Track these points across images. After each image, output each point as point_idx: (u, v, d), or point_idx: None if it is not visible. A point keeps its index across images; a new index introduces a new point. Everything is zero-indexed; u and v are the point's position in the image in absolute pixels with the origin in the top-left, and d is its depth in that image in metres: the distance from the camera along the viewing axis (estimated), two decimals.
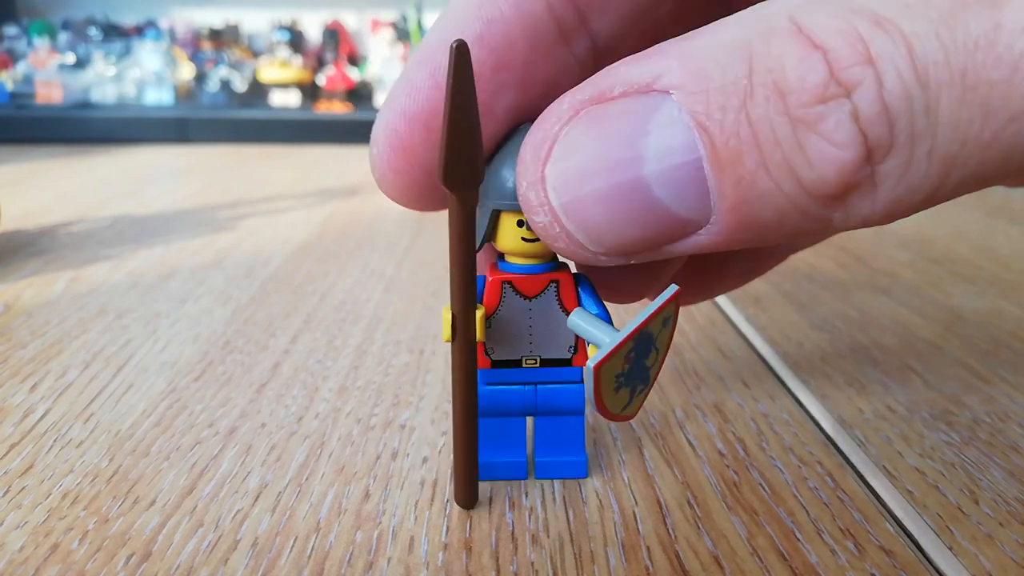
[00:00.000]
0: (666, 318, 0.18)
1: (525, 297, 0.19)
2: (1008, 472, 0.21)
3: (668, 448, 0.22)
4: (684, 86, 0.13)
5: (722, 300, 0.35)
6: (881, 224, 0.13)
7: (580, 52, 0.17)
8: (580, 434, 0.21)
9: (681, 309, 0.34)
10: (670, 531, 0.19)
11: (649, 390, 0.19)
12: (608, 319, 0.19)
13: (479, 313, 0.18)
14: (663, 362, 0.19)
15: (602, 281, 0.21)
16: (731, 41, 0.13)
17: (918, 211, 0.13)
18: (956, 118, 0.12)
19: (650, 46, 0.14)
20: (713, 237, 0.14)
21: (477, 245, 0.18)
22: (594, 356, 0.16)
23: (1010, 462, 0.22)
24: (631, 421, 0.24)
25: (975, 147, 0.12)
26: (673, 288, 0.17)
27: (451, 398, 0.20)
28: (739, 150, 0.13)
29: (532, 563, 0.17)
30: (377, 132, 0.18)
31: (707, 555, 0.18)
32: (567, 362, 0.20)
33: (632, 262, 0.15)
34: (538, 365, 0.20)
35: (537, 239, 0.18)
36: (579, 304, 0.19)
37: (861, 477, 0.21)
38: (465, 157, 0.15)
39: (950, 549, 0.18)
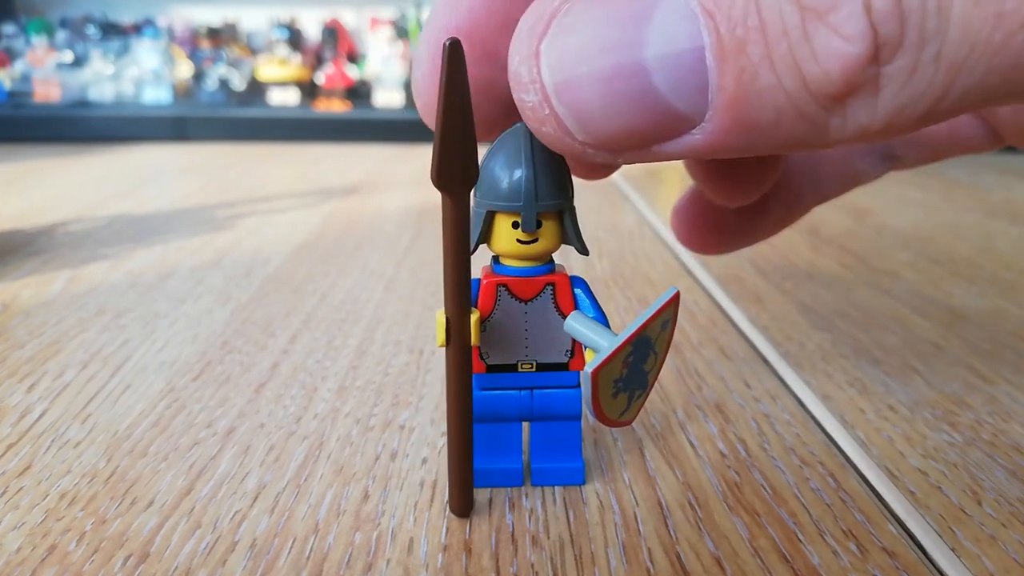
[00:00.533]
0: (665, 321, 0.17)
1: (521, 300, 0.19)
2: (1011, 472, 0.21)
3: (669, 449, 0.22)
4: None
5: (723, 300, 0.35)
6: (878, 139, 0.13)
7: None
8: (577, 440, 0.20)
9: (681, 308, 0.34)
10: (671, 532, 0.18)
11: (647, 395, 0.18)
12: (605, 322, 0.19)
13: (474, 317, 0.17)
14: (662, 366, 0.18)
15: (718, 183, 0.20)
16: None
17: (917, 128, 0.13)
18: (967, 20, 0.11)
19: None
20: (706, 136, 0.13)
21: (473, 247, 0.18)
22: (592, 361, 0.16)
23: (1013, 462, 0.22)
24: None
25: (983, 53, 0.11)
26: (672, 291, 0.17)
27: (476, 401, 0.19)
28: (744, 39, 0.12)
29: (532, 565, 0.17)
30: (420, 52, 0.17)
31: (709, 556, 0.18)
32: (564, 366, 0.20)
33: (619, 161, 0.15)
34: (534, 369, 0.20)
35: (532, 241, 0.18)
36: (576, 307, 0.19)
37: (863, 478, 0.21)
38: (459, 157, 0.15)
39: (953, 550, 0.18)
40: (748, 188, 0.21)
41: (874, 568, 0.17)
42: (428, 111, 0.17)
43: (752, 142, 0.13)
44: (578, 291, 0.19)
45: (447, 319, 0.17)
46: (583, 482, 0.20)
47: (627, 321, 0.32)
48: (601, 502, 0.20)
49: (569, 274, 0.19)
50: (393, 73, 0.99)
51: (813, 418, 0.24)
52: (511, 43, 0.14)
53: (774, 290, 0.37)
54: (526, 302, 0.19)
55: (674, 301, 0.17)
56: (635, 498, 0.20)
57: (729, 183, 0.21)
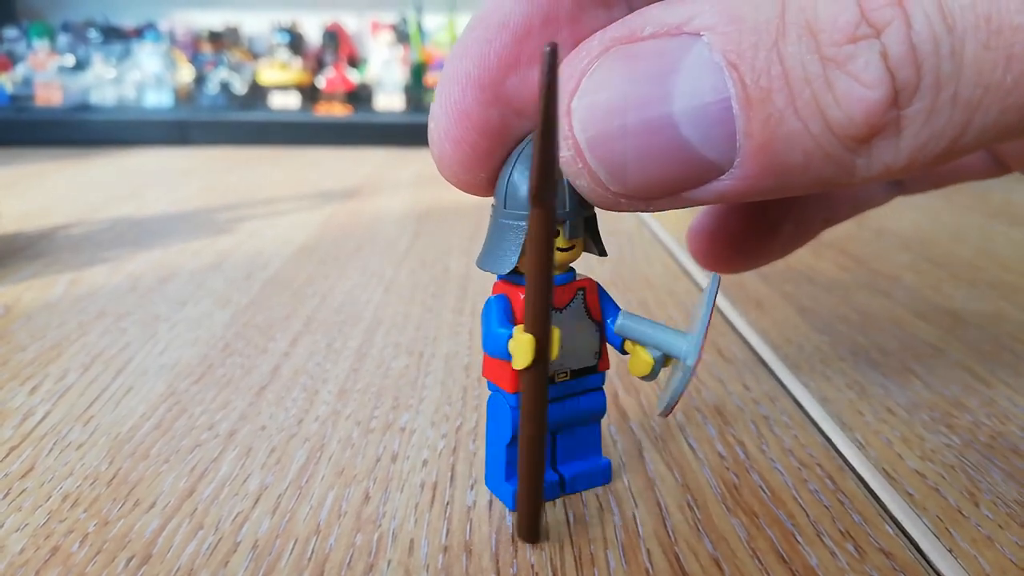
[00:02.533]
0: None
1: (557, 309, 0.19)
2: (1008, 474, 0.21)
3: (668, 451, 0.22)
4: (716, 27, 0.13)
5: (722, 302, 0.35)
6: (903, 175, 0.14)
7: (623, 12, 0.17)
8: (598, 439, 0.20)
9: (681, 311, 0.34)
10: (670, 533, 0.19)
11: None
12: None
13: (556, 333, 0.16)
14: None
15: (735, 247, 0.22)
16: None
17: (939, 163, 0.13)
18: (980, 63, 0.12)
19: None
20: (736, 182, 0.14)
21: (516, 262, 0.18)
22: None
23: (1010, 464, 0.22)
24: (631, 423, 0.24)
25: (997, 93, 0.12)
26: (717, 277, 0.18)
27: (516, 421, 0.19)
28: (769, 88, 0.13)
29: (532, 565, 0.17)
30: (435, 107, 0.17)
31: (707, 557, 0.18)
32: (593, 369, 0.20)
33: (651, 210, 0.15)
34: (569, 377, 0.19)
35: (568, 248, 0.18)
36: (603, 309, 0.19)
37: (861, 479, 0.21)
38: (553, 171, 0.15)
39: (950, 551, 0.18)
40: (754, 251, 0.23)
41: (871, 569, 0.17)
42: (446, 165, 0.18)
43: (781, 184, 0.14)
44: (601, 292, 0.19)
45: (537, 339, 0.16)
46: (611, 480, 0.20)
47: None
48: (600, 503, 0.20)
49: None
50: (394, 77, 0.99)
51: (811, 420, 0.24)
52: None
53: (773, 293, 0.37)
54: (560, 310, 0.19)
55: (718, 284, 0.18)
56: (634, 499, 0.20)
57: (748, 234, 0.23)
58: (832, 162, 0.13)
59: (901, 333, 0.32)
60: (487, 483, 0.20)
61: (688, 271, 0.40)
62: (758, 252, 0.24)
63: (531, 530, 0.18)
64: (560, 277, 0.18)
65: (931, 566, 0.18)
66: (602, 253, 0.19)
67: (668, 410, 0.18)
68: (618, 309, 0.19)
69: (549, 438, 0.20)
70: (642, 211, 0.16)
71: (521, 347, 0.16)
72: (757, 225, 0.24)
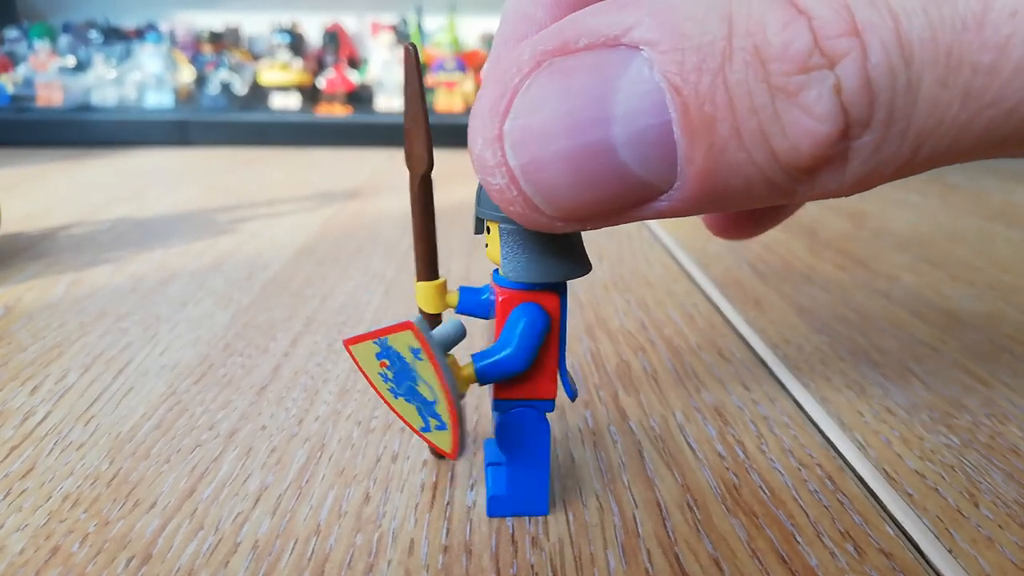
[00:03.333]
0: (413, 348, 0.17)
1: None
2: (1008, 475, 0.21)
3: (668, 451, 0.22)
4: (657, 43, 0.12)
5: (722, 303, 0.35)
6: (844, 196, 0.13)
7: None
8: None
9: (680, 311, 0.34)
10: (670, 534, 0.19)
11: (456, 432, 0.17)
12: (513, 343, 0.18)
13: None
14: (454, 408, 0.17)
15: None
16: None
17: (883, 183, 0.13)
18: (935, 98, 0.11)
19: None
20: (674, 204, 0.13)
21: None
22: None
23: (1010, 464, 0.22)
24: (630, 423, 0.24)
25: (950, 127, 0.12)
26: (404, 320, 0.17)
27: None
28: (713, 116, 0.12)
29: (532, 566, 0.17)
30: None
31: (707, 557, 0.18)
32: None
33: (587, 228, 0.15)
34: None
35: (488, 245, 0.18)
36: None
37: (861, 480, 0.21)
38: (421, 142, 0.17)
39: (950, 551, 0.18)
40: (751, 230, 0.22)
41: (871, 569, 0.17)
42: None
43: (721, 206, 0.13)
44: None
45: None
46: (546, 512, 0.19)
47: (629, 327, 0.33)
48: (600, 504, 0.20)
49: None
50: (394, 78, 0.99)
51: (811, 420, 0.24)
52: (471, 122, 0.14)
53: (772, 293, 0.37)
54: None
55: (406, 329, 0.16)
56: (634, 500, 0.20)
57: (734, 226, 0.22)
58: (774, 188, 0.13)
59: (900, 333, 0.32)
60: (495, 512, 0.19)
61: (688, 272, 0.40)
62: (767, 219, 0.24)
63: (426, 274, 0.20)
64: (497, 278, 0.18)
65: (931, 566, 0.18)
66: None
67: (398, 415, 0.18)
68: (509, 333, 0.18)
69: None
70: (578, 230, 0.15)
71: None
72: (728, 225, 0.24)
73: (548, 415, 0.19)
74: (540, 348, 0.17)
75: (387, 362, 0.17)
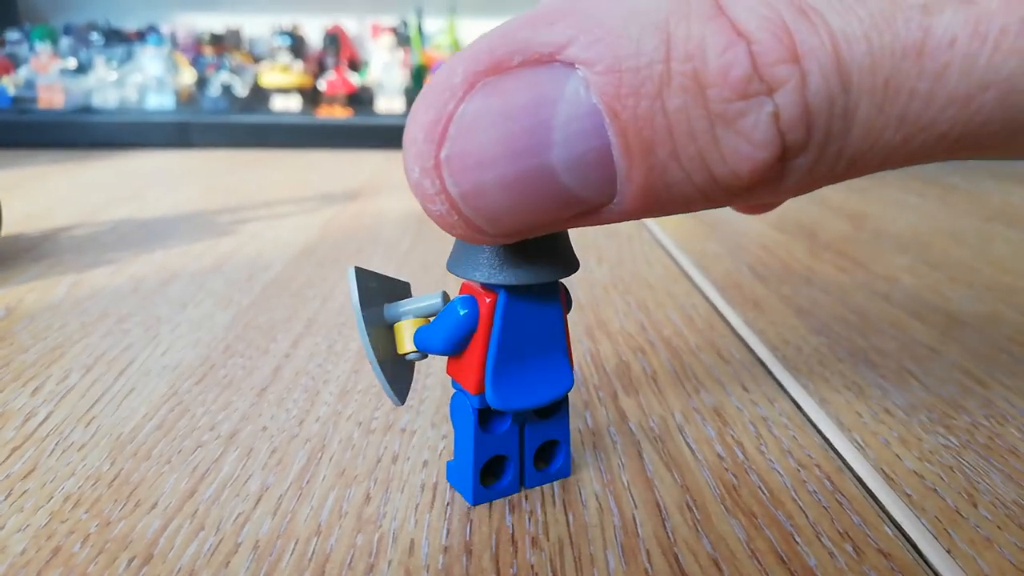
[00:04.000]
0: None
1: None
2: (1006, 476, 0.21)
3: (667, 452, 0.22)
4: (592, 64, 0.12)
5: (721, 304, 0.35)
6: (775, 203, 0.14)
7: None
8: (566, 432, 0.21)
9: (680, 313, 0.34)
10: (669, 534, 0.19)
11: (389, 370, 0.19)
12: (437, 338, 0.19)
13: None
14: (380, 353, 0.18)
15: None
16: (644, 12, 0.12)
17: (814, 190, 0.13)
18: (871, 123, 0.12)
19: None
20: (614, 216, 0.14)
21: None
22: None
23: (1008, 465, 0.22)
24: (630, 424, 0.24)
25: (883, 148, 0.12)
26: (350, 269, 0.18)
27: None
28: (652, 141, 0.12)
29: (532, 566, 0.17)
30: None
31: (706, 558, 0.18)
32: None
33: (529, 237, 0.15)
34: None
35: None
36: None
37: (859, 480, 0.21)
38: None
39: (948, 552, 0.18)
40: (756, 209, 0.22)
41: (870, 570, 0.17)
42: None
43: (660, 215, 0.14)
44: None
45: None
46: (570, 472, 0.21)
47: (629, 329, 0.33)
48: (600, 504, 0.20)
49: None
50: (394, 80, 0.99)
51: (810, 421, 0.24)
52: (406, 149, 0.14)
53: (772, 294, 0.37)
54: None
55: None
56: (634, 500, 0.20)
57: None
58: (711, 201, 0.13)
59: (899, 334, 0.32)
60: (448, 478, 0.21)
61: (688, 274, 0.40)
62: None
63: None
64: None
65: (930, 567, 0.18)
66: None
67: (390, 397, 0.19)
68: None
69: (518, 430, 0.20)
70: (517, 240, 0.15)
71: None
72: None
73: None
74: (460, 339, 0.18)
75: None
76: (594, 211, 0.13)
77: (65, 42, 1.00)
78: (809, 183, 0.13)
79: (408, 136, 0.14)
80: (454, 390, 0.19)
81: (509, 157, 0.13)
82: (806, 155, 0.12)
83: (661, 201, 0.13)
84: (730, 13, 0.11)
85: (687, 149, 0.12)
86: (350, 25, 1.14)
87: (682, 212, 0.13)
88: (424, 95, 0.13)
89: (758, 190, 0.13)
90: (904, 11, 0.11)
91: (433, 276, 0.39)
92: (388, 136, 0.89)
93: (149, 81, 0.95)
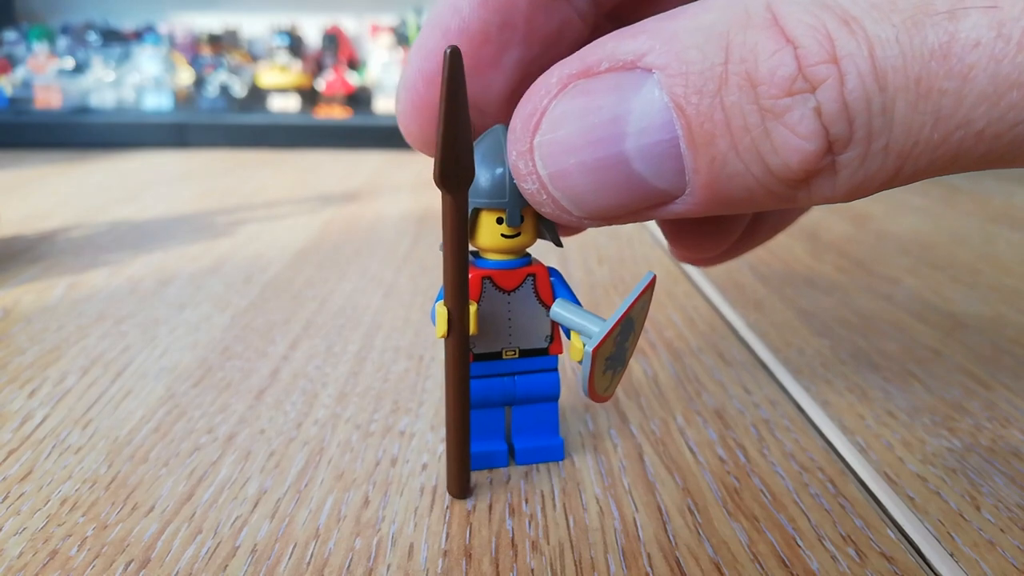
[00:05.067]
0: (644, 302, 0.19)
1: (504, 291, 0.20)
2: (1009, 478, 0.21)
3: (669, 454, 0.22)
4: (666, 67, 0.14)
5: (723, 306, 0.35)
6: (844, 202, 0.14)
7: (580, 5, 0.19)
8: (555, 419, 0.22)
9: (681, 314, 0.34)
10: (671, 538, 0.18)
11: (624, 371, 0.20)
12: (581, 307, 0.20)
13: (472, 308, 0.19)
14: (636, 343, 0.20)
15: (682, 242, 0.23)
16: (711, 25, 0.14)
17: (878, 192, 0.14)
18: (909, 121, 0.13)
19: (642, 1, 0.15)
20: (687, 207, 0.15)
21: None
22: (592, 340, 0.17)
23: (1012, 468, 0.22)
24: (631, 426, 0.24)
25: (926, 147, 0.13)
26: (650, 275, 0.19)
27: (444, 393, 0.20)
28: (713, 133, 0.14)
29: (532, 570, 0.17)
30: (399, 91, 0.19)
31: (708, 562, 0.18)
32: (544, 351, 0.21)
33: (613, 224, 0.16)
34: (517, 356, 0.21)
35: (516, 235, 0.19)
36: (554, 296, 0.20)
37: (862, 483, 0.21)
38: (459, 159, 0.16)
39: (951, 555, 0.18)
40: (709, 247, 0.23)
41: (873, 573, 0.17)
42: (409, 137, 0.20)
43: (731, 209, 0.15)
44: (554, 280, 0.20)
45: (448, 311, 0.18)
46: (563, 457, 0.22)
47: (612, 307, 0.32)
48: (601, 508, 0.20)
49: (546, 266, 0.21)
50: (393, 80, 0.99)
51: (812, 424, 0.24)
52: (508, 136, 0.16)
53: (774, 296, 0.37)
54: (509, 292, 0.20)
55: (652, 285, 0.19)
56: (635, 504, 0.20)
57: (691, 245, 0.23)
58: (774, 196, 0.14)
59: (902, 336, 0.32)
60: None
61: (689, 275, 0.40)
62: (728, 250, 0.25)
63: (457, 485, 0.20)
64: (511, 262, 0.20)
65: (932, 570, 0.18)
66: (556, 242, 0.20)
67: (587, 394, 0.18)
68: (572, 298, 0.20)
69: (503, 411, 0.22)
70: (605, 226, 0.17)
71: (439, 318, 0.18)
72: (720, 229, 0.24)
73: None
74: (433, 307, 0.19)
75: (619, 338, 0.18)
76: (668, 202, 0.15)
77: (62, 42, 1.00)
78: (865, 181, 0.14)
79: (511, 126, 0.16)
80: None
81: (589, 145, 0.15)
82: (853, 149, 0.13)
83: (726, 194, 0.14)
84: (782, 23, 0.13)
85: (743, 140, 0.13)
86: (349, 25, 1.14)
87: (750, 208, 0.15)
88: (527, 93, 0.16)
89: (816, 185, 0.14)
90: (932, 17, 0.12)
91: (431, 278, 0.39)
92: (387, 137, 0.89)
93: (146, 81, 0.94)
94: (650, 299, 0.19)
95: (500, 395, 0.21)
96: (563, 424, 0.24)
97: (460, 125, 0.16)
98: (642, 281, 0.19)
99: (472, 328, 0.19)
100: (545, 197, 0.16)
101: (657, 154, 0.14)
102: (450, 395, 0.19)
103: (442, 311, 0.18)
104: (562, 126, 0.15)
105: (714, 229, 0.23)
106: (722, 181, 0.14)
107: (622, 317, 0.18)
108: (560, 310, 0.20)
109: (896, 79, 0.12)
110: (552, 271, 0.21)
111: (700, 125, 0.14)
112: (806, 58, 0.13)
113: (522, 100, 0.16)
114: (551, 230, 0.20)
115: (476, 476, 0.21)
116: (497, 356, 0.21)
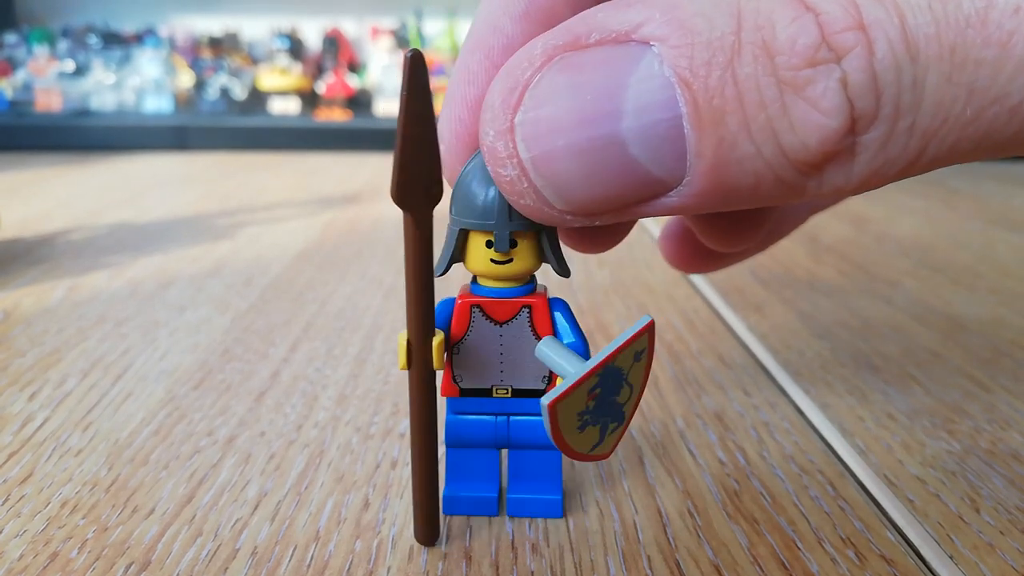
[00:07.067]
0: (638, 352, 0.16)
1: (495, 322, 0.18)
2: (1009, 480, 0.21)
3: (669, 457, 0.22)
4: (667, 39, 0.12)
5: (723, 308, 0.35)
6: (852, 195, 0.13)
7: None
8: (557, 470, 0.19)
9: (681, 317, 0.34)
10: (671, 540, 0.18)
11: (625, 429, 0.17)
12: (583, 349, 0.18)
13: (436, 340, 0.17)
14: (639, 399, 0.17)
15: (712, 230, 0.21)
16: None
17: (889, 183, 0.13)
18: (941, 95, 0.11)
19: None
20: (683, 199, 0.13)
21: (445, 266, 0.17)
22: (550, 392, 0.15)
23: (1011, 470, 0.22)
24: (631, 429, 0.24)
25: (955, 124, 0.12)
26: (645, 319, 0.16)
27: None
28: (723, 110, 0.12)
29: (532, 573, 0.17)
30: (443, 128, 0.17)
31: (708, 564, 0.18)
32: (540, 393, 0.18)
33: (596, 223, 0.15)
34: (509, 395, 0.19)
35: (507, 261, 0.17)
36: (553, 331, 0.18)
37: (862, 486, 0.21)
38: (421, 174, 0.15)
39: (951, 558, 0.18)
40: (739, 238, 0.22)
41: (872, 575, 0.17)
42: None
43: (730, 202, 0.13)
44: (557, 315, 0.18)
45: (408, 342, 0.16)
46: (560, 515, 0.19)
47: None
48: (601, 510, 0.20)
49: (550, 296, 0.18)
50: (393, 82, 0.99)
51: (812, 426, 0.24)
52: (482, 114, 0.14)
53: (773, 299, 0.37)
54: (501, 324, 0.18)
55: (647, 330, 0.16)
56: (634, 506, 0.20)
57: (722, 233, 0.21)
58: (783, 184, 0.13)
59: (901, 339, 0.32)
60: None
61: (689, 278, 0.40)
62: (723, 256, 0.24)
63: (423, 532, 0.18)
64: (505, 291, 0.18)
65: (932, 572, 0.18)
66: (562, 272, 0.18)
67: (569, 454, 0.16)
68: (574, 335, 0.18)
69: (497, 453, 0.19)
70: (587, 226, 0.15)
71: (399, 349, 0.17)
72: (722, 233, 0.23)
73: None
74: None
75: (599, 391, 0.16)
76: (663, 193, 0.13)
77: (62, 45, 1.00)
78: (880, 168, 0.12)
79: (486, 102, 0.14)
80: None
81: (580, 125, 0.13)
82: (877, 129, 0.12)
83: (730, 182, 0.13)
84: None
85: (757, 118, 0.12)
86: (349, 27, 1.14)
87: (751, 202, 0.13)
88: (505, 66, 0.14)
89: (829, 170, 0.12)
90: None
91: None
92: (387, 139, 0.89)
93: (147, 84, 0.94)
94: (650, 347, 0.17)
95: (490, 436, 0.19)
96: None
97: (423, 135, 0.14)
98: (632, 327, 0.16)
99: (435, 362, 0.17)
100: (526, 186, 0.14)
101: (656, 135, 0.13)
102: (414, 433, 0.17)
103: (402, 341, 0.16)
104: (549, 102, 0.13)
105: (745, 216, 0.22)
106: (728, 166, 0.13)
107: (596, 368, 0.15)
108: (544, 348, 0.17)
109: (929, 48, 0.11)
110: (556, 303, 0.18)
111: (708, 101, 0.12)
112: (830, 25, 0.11)
113: (500, 73, 0.14)
114: (556, 255, 0.18)
115: None
116: (487, 393, 0.19)
